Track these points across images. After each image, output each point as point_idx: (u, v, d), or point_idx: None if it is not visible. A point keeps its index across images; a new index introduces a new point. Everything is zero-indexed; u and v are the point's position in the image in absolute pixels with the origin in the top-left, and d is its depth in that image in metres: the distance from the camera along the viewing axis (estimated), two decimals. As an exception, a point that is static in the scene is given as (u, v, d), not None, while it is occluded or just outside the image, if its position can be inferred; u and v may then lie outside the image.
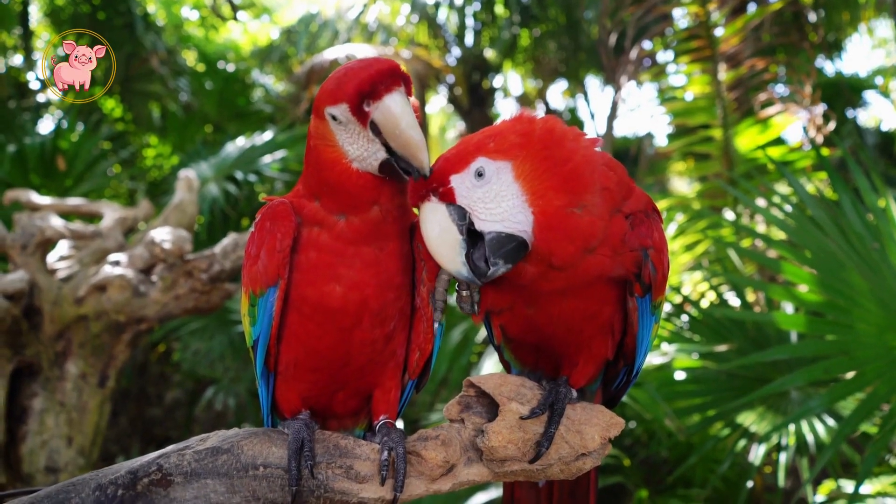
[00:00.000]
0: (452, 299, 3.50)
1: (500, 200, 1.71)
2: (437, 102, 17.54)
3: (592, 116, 15.16)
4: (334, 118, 1.73)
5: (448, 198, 1.71)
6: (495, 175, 1.71)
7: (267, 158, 9.14)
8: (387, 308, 1.86)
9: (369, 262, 1.81)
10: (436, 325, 1.93)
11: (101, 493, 1.67)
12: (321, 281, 1.81)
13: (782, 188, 6.30)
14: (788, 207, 4.29)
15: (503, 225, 1.71)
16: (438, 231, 1.72)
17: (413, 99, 1.77)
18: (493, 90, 14.90)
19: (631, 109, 8.27)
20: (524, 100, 16.22)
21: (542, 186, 1.70)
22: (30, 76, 11.11)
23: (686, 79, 6.96)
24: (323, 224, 1.81)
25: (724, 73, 6.51)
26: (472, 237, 1.73)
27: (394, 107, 1.70)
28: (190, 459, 1.71)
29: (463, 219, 1.71)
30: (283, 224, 1.80)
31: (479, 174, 1.71)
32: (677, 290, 5.28)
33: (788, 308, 4.70)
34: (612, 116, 8.78)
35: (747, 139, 6.53)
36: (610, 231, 1.77)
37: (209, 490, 1.69)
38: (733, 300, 5.29)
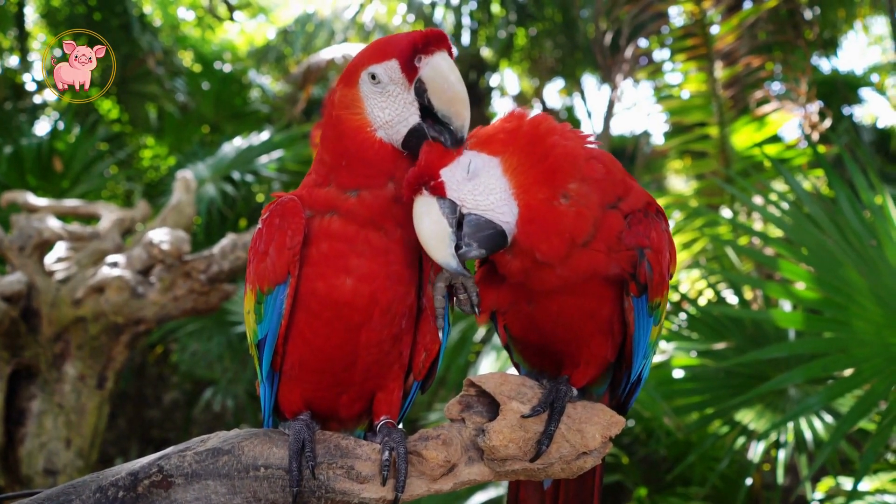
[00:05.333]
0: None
1: (488, 194, 1.74)
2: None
3: (589, 115, 15.13)
4: (373, 78, 1.75)
5: (439, 191, 1.73)
6: (484, 169, 1.74)
7: (264, 158, 9.14)
8: (396, 305, 1.84)
9: (378, 249, 1.80)
10: (439, 329, 1.92)
11: (102, 495, 1.68)
12: (330, 273, 1.79)
13: (779, 185, 6.31)
14: (785, 205, 4.30)
15: (487, 213, 1.73)
16: (428, 223, 1.73)
17: None
18: (489, 89, 14.90)
19: (627, 108, 8.28)
20: (521, 99, 16.22)
21: (526, 181, 1.73)
22: (26, 78, 11.09)
23: (682, 77, 6.97)
24: (334, 205, 1.80)
25: (720, 71, 6.52)
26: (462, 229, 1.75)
27: (444, 63, 1.74)
28: (191, 461, 1.71)
29: (454, 212, 1.73)
30: (294, 220, 1.79)
31: (469, 168, 1.73)
32: (675, 288, 5.28)
33: (786, 306, 4.71)
34: (609, 115, 8.79)
35: (744, 137, 6.55)
36: (604, 226, 1.78)
37: (210, 491, 1.70)
38: (731, 298, 5.30)
